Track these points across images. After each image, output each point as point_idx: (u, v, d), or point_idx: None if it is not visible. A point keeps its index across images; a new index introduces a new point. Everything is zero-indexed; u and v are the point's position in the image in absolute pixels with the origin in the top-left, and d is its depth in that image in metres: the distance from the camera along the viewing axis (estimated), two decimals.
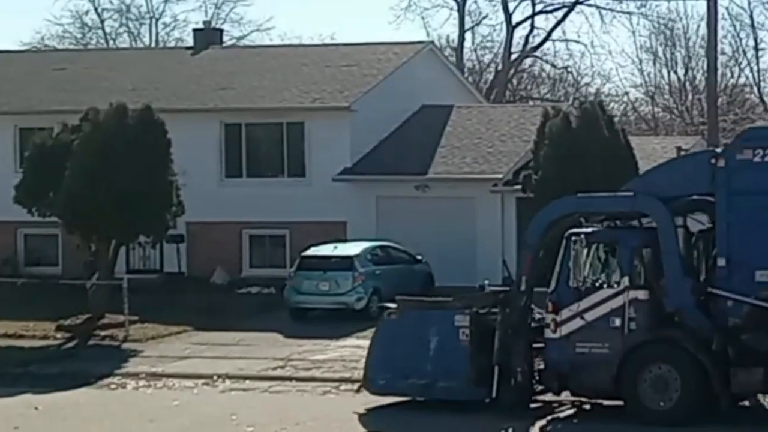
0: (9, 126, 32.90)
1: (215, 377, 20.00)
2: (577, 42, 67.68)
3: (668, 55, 53.08)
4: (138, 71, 34.65)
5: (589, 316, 16.00)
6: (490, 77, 54.50)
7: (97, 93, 31.30)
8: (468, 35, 54.64)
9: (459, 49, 53.58)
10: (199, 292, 28.80)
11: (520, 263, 16.78)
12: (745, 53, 51.39)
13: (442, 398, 16.71)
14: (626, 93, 55.95)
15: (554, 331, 16.16)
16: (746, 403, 16.43)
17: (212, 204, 30.57)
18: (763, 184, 15.58)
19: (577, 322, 16.05)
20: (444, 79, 36.15)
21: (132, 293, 24.85)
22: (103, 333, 24.62)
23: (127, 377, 20.37)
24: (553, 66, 55.53)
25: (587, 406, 16.83)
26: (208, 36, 37.41)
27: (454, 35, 54.19)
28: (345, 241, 28.22)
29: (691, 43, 52.39)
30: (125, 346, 23.75)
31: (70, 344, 24.15)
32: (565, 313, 16.10)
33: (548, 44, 54.56)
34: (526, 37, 53.22)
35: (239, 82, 33.29)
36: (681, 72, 52.55)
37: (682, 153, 23.59)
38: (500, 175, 29.80)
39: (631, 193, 16.49)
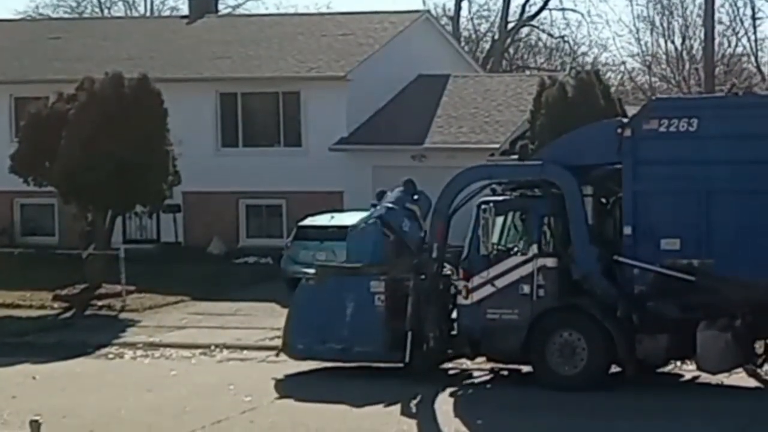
0: (4, 95, 32.79)
1: (213, 347, 20.06)
2: (574, 11, 67.50)
3: (665, 24, 52.90)
4: (133, 40, 34.52)
5: (500, 282, 16.22)
6: (487, 46, 54.35)
7: (93, 62, 31.20)
8: (464, 4, 54.59)
9: (455, 18, 53.40)
10: (196, 262, 28.82)
11: (432, 231, 16.94)
12: (742, 22, 51.22)
13: (358, 362, 17.04)
14: (623, 62, 55.85)
15: (466, 298, 16.40)
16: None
17: (209, 174, 30.53)
18: (668, 154, 15.72)
19: (488, 289, 16.28)
20: (440, 49, 36.05)
21: (129, 263, 24.88)
22: (100, 303, 24.66)
23: (125, 347, 20.42)
24: (550, 35, 55.41)
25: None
26: (203, 5, 37.21)
27: (451, 4, 54.18)
28: (342, 210, 28.22)
29: (688, 12, 52.21)
30: (122, 316, 23.80)
31: (68, 314, 24.20)
32: (476, 280, 16.32)
33: (545, 13, 54.44)
34: (523, 6, 53.09)
35: (235, 52, 33.18)
36: (678, 41, 52.38)
37: None
38: (497, 145, 29.78)
39: (539, 162, 16.62)
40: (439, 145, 30.31)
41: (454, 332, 16.67)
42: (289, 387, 16.59)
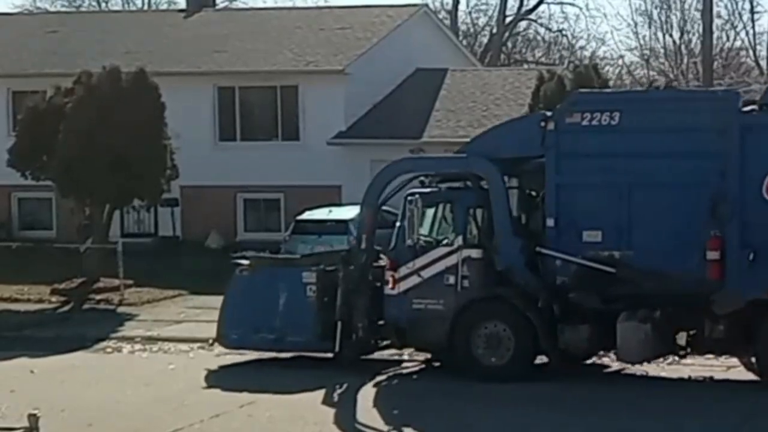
0: (1, 89, 32.77)
1: (211, 341, 20.01)
2: (572, 5, 67.73)
3: (663, 18, 52.89)
4: (131, 34, 34.48)
5: (426, 273, 16.35)
6: (485, 40, 54.33)
7: (90, 56, 31.17)
8: None
9: (453, 11, 53.39)
10: (193, 256, 28.81)
11: (361, 222, 17.11)
12: (741, 16, 51.22)
13: (290, 352, 17.27)
14: (621, 56, 55.91)
15: (393, 288, 16.51)
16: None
17: (206, 168, 30.52)
18: (590, 147, 15.78)
19: (414, 279, 16.41)
20: (438, 43, 36.04)
21: (126, 257, 24.87)
22: (98, 297, 24.65)
23: (123, 341, 20.39)
24: (548, 29, 55.40)
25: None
26: None
27: None
28: (340, 204, 28.21)
29: (686, 6, 52.19)
30: (120, 309, 23.78)
31: (65, 308, 24.19)
32: (403, 270, 16.45)
33: (543, 7, 54.43)
34: (521, 0, 53.05)
35: (232, 45, 33.16)
36: (676, 35, 52.38)
37: None
38: None
39: (464, 154, 16.80)
40: (437, 139, 30.28)
41: (382, 322, 16.83)
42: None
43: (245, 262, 18.00)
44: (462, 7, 54.71)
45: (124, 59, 28.95)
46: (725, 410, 14.31)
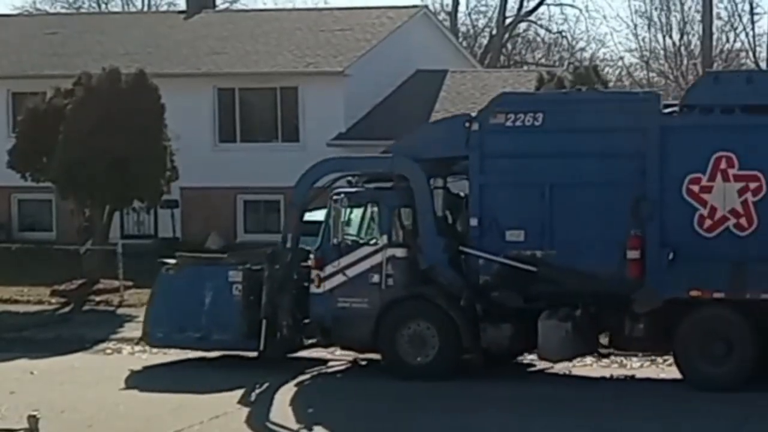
0: (1, 90, 32.75)
1: (136, 340, 19.96)
2: (572, 6, 67.76)
3: (663, 20, 52.88)
4: (130, 35, 34.48)
5: (351, 272, 16.52)
6: (485, 42, 54.33)
7: (90, 57, 31.17)
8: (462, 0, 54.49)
9: (453, 13, 53.40)
10: None
11: (286, 221, 17.24)
12: (740, 18, 51.16)
13: (216, 351, 17.36)
14: (621, 58, 56.00)
15: (318, 286, 16.68)
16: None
17: (206, 169, 30.51)
18: (514, 148, 16.02)
19: (339, 278, 16.58)
20: (438, 44, 36.04)
21: (126, 258, 24.85)
22: (98, 298, 24.64)
23: (123, 342, 20.37)
24: (548, 30, 55.42)
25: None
26: (200, 0, 37.22)
27: (449, 0, 54.02)
28: None
29: (686, 8, 52.14)
30: (120, 311, 23.76)
31: (65, 309, 24.16)
32: (328, 269, 16.63)
33: (543, 8, 54.44)
34: (521, 2, 53.07)
35: (232, 47, 33.15)
36: (676, 37, 52.36)
37: None
38: None
39: (389, 155, 16.99)
40: None
41: (308, 320, 16.94)
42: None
43: (171, 261, 18.12)
44: (462, 8, 54.78)
45: (124, 60, 28.96)
46: (723, 410, 14.30)
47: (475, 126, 16.21)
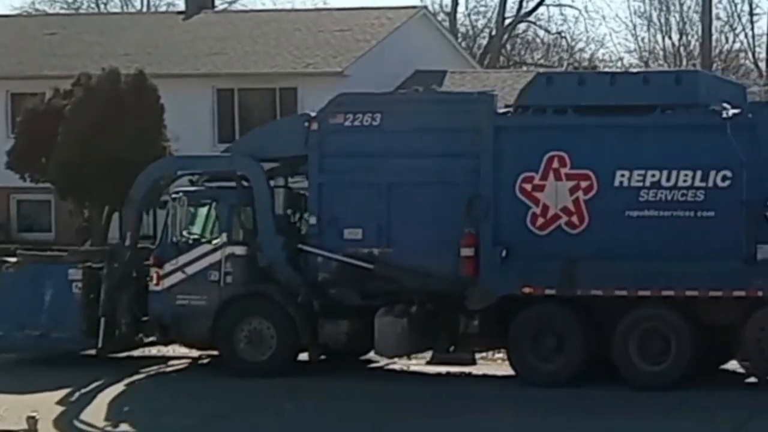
0: (0, 91, 32.74)
1: None
2: (571, 7, 67.66)
3: (662, 20, 52.89)
4: (130, 36, 34.48)
5: (190, 270, 16.65)
6: (484, 42, 54.33)
7: (89, 58, 31.17)
8: (461, 0, 54.52)
9: (452, 13, 53.41)
10: None
11: (125, 219, 17.44)
12: (740, 18, 51.19)
13: (56, 349, 17.32)
14: (620, 58, 55.81)
15: (157, 284, 16.74)
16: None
17: None
18: (352, 147, 16.17)
19: (178, 276, 16.68)
20: (437, 44, 36.03)
21: None
22: None
23: None
24: (547, 31, 55.40)
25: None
26: (199, 0, 37.21)
27: (448, 0, 54.05)
28: None
29: (685, 8, 52.17)
30: None
31: None
32: (167, 267, 16.73)
33: (542, 9, 54.43)
34: (520, 2, 53.08)
35: (231, 47, 33.15)
36: (675, 37, 52.36)
37: None
38: None
39: (228, 154, 17.27)
40: None
41: (146, 318, 17.02)
42: None
43: (12, 259, 18.09)
44: (461, 8, 54.75)
45: (123, 61, 28.95)
46: (725, 410, 14.26)
47: (315, 126, 16.41)
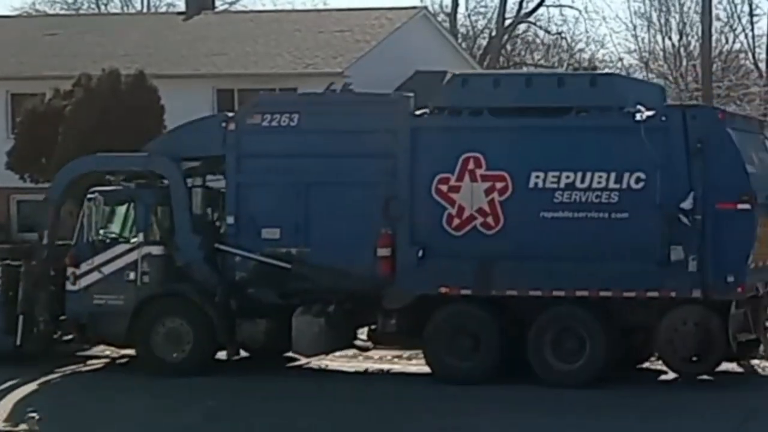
0: (0, 92, 32.77)
1: None
2: (571, 7, 67.43)
3: (662, 21, 52.90)
4: (130, 37, 34.50)
5: (107, 269, 16.74)
6: (484, 43, 54.33)
7: (89, 58, 31.17)
8: (461, 0, 54.52)
9: (452, 14, 53.42)
10: None
11: (43, 218, 17.46)
12: (740, 19, 51.22)
13: None
14: (620, 59, 55.81)
15: (74, 284, 16.80)
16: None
17: None
18: (270, 148, 16.36)
19: (95, 275, 16.77)
20: (438, 45, 36.04)
21: None
22: None
23: None
24: (547, 32, 55.40)
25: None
26: (200, 1, 37.23)
27: (448, 0, 54.06)
28: None
29: (685, 9, 52.20)
30: None
31: None
32: (84, 267, 16.78)
33: (542, 10, 54.43)
34: (520, 3, 53.08)
35: (232, 48, 33.16)
36: (675, 38, 52.37)
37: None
38: None
39: (145, 153, 17.32)
40: None
41: (64, 317, 17.08)
42: None
43: None
44: (461, 9, 54.75)
45: (123, 62, 28.96)
46: (727, 409, 14.30)
47: (232, 126, 16.52)
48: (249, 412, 14.20)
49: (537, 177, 15.43)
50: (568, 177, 15.34)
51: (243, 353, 17.10)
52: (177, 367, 16.26)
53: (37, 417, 11.56)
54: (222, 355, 16.66)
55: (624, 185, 15.20)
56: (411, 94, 16.79)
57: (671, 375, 15.98)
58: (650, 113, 15.29)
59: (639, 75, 54.63)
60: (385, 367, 17.14)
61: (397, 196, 15.78)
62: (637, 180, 15.18)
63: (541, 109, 15.55)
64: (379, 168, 15.94)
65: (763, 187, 15.41)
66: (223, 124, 16.63)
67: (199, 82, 31.82)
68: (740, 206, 14.98)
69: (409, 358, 17.34)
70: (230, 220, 16.48)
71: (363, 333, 16.74)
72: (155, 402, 14.84)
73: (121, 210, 17.08)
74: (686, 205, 14.91)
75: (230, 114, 16.90)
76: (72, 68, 29.06)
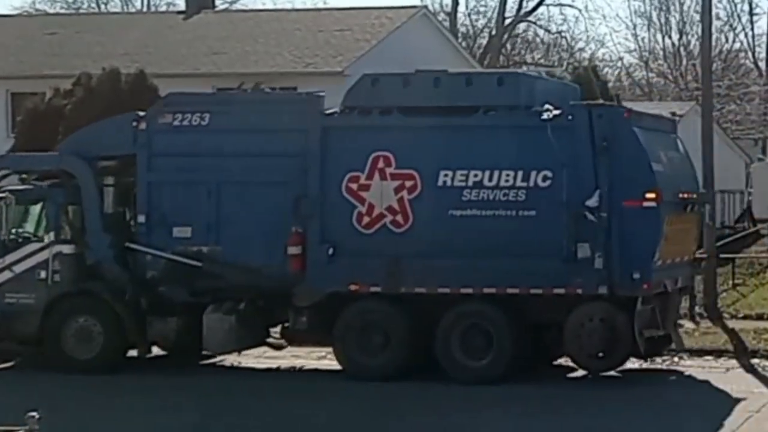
0: (0, 91, 32.77)
1: None
2: (571, 6, 67.76)
3: (662, 20, 53.05)
4: (130, 36, 34.49)
5: (18, 268, 16.89)
6: (484, 42, 54.40)
7: (90, 57, 31.17)
8: (461, 0, 54.56)
9: (452, 13, 53.47)
10: None
11: None
12: (739, 18, 51.39)
13: None
14: (620, 58, 56.03)
15: None
16: None
17: None
18: (180, 147, 16.51)
19: (6, 275, 16.94)
20: (438, 44, 36.03)
21: None
22: None
23: None
24: (547, 31, 55.53)
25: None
26: (200, 0, 37.22)
27: (448, 0, 54.07)
28: None
29: (685, 8, 52.35)
30: None
31: None
32: None
33: (542, 9, 54.64)
34: (520, 2, 53.18)
35: (232, 47, 33.16)
36: (675, 37, 52.53)
37: (676, 119, 23.61)
38: None
39: (56, 153, 17.52)
40: None
41: None
42: None
43: None
44: (461, 8, 54.88)
45: (124, 61, 28.96)
46: (726, 408, 14.22)
47: (143, 125, 16.76)
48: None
49: (445, 175, 15.64)
50: (476, 175, 15.55)
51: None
52: (87, 366, 16.39)
53: (37, 417, 11.54)
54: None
55: (531, 183, 15.42)
56: (322, 93, 16.88)
57: (580, 372, 16.09)
58: (557, 112, 15.46)
59: (639, 74, 54.72)
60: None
61: (307, 194, 16.01)
62: (544, 178, 15.39)
63: (450, 109, 15.72)
64: (290, 167, 16.06)
65: (671, 186, 15.59)
66: (135, 123, 16.79)
67: (199, 81, 31.78)
68: (645, 204, 15.16)
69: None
70: (141, 218, 16.60)
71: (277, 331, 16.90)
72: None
73: (33, 209, 17.22)
74: (592, 202, 15.08)
75: (141, 113, 17.02)
76: (72, 67, 29.04)
